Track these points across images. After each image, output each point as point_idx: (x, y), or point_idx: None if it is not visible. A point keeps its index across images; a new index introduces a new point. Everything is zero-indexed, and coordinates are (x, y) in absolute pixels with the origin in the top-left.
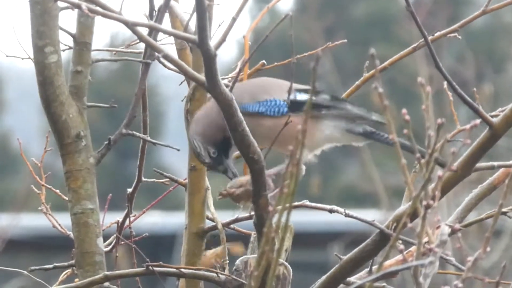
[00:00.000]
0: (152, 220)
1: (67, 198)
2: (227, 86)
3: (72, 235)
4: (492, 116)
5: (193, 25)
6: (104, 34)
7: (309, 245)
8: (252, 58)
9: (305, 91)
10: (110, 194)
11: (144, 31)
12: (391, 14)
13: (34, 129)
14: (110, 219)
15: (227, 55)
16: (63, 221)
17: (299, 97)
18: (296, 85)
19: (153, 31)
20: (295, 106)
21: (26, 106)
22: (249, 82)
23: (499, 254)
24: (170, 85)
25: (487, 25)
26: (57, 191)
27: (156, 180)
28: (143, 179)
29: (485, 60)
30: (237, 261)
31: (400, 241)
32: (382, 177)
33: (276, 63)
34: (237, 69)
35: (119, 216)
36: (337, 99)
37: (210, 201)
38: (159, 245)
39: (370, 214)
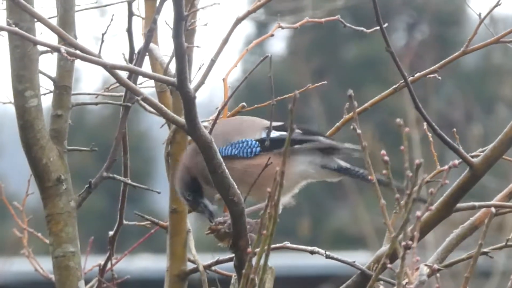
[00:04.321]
0: (143, 264)
1: (48, 242)
2: (206, 128)
3: (53, 279)
4: (472, 157)
5: (173, 67)
6: (96, 77)
7: None
8: (242, 98)
9: (278, 128)
10: (92, 237)
11: (124, 74)
12: (382, 56)
13: (27, 173)
14: (100, 262)
15: (218, 98)
16: (50, 265)
17: (272, 135)
18: (265, 123)
19: (133, 74)
20: (269, 144)
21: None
22: (222, 123)
23: None
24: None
25: (477, 67)
26: (39, 234)
27: (137, 223)
28: (124, 222)
29: (475, 101)
30: None
31: (381, 282)
32: (373, 218)
33: (256, 105)
34: (217, 112)
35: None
36: (309, 132)
37: (192, 243)
38: None
39: (359, 256)
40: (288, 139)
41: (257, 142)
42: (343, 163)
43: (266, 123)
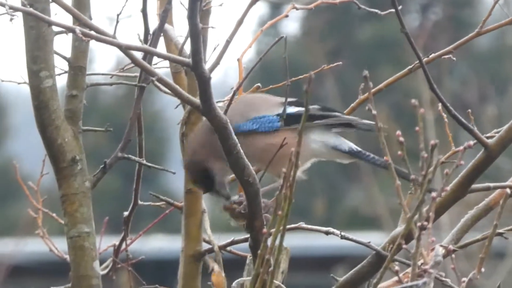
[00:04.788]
0: (158, 244)
1: (63, 222)
2: (221, 108)
3: (68, 259)
4: (487, 138)
5: (188, 48)
6: (110, 58)
7: (313, 269)
8: (256, 79)
9: (294, 103)
10: (107, 218)
11: (138, 55)
12: (397, 37)
13: (42, 154)
14: (114, 242)
15: (233, 79)
16: (64, 245)
17: (289, 110)
18: (280, 100)
19: (148, 55)
20: (286, 120)
21: (35, 131)
22: (236, 102)
23: (503, 276)
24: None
25: (492, 47)
26: (54, 214)
27: (152, 204)
28: (139, 202)
29: (489, 82)
30: (233, 284)
31: (396, 263)
32: (388, 199)
33: (271, 86)
34: (232, 92)
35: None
36: (326, 109)
37: (207, 223)
38: (165, 269)
39: (374, 237)
40: (304, 119)
41: (277, 117)
42: (355, 147)
43: (280, 99)
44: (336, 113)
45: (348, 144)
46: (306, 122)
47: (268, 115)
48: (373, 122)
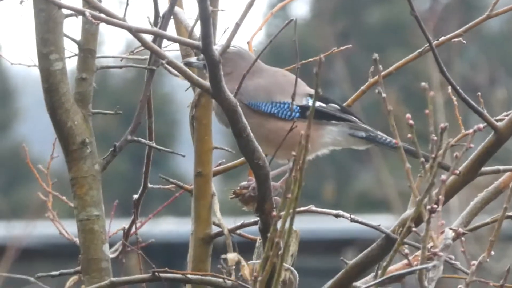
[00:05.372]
0: (167, 227)
1: (72, 205)
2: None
3: (78, 242)
4: (497, 121)
5: (198, 31)
6: (119, 40)
7: (322, 252)
8: (266, 62)
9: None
10: (117, 201)
11: (148, 38)
12: (406, 19)
13: (51, 136)
14: (124, 225)
15: None
16: (74, 228)
17: (310, 103)
18: (308, 90)
19: (158, 38)
20: (305, 112)
21: (44, 114)
22: (266, 74)
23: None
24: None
25: (502, 30)
26: (64, 197)
27: (162, 187)
28: (149, 185)
29: (499, 65)
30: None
31: (406, 246)
32: (397, 182)
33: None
34: (242, 76)
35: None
36: (345, 111)
37: (217, 206)
38: (174, 252)
39: (383, 220)
40: (314, 102)
41: (299, 107)
42: (371, 130)
43: (309, 90)
44: (354, 118)
45: (364, 129)
46: (323, 120)
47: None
48: (389, 138)
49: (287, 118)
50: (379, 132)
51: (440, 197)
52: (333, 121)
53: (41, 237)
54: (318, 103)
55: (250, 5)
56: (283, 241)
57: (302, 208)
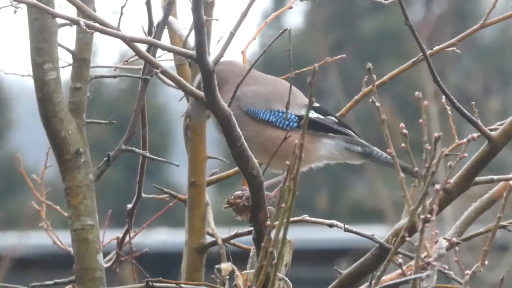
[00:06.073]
0: (161, 237)
1: (66, 215)
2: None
3: (72, 251)
4: (491, 130)
5: (192, 40)
6: (113, 50)
7: (316, 262)
8: (260, 71)
9: (317, 109)
10: (111, 210)
11: (142, 47)
12: (400, 29)
13: (45, 146)
14: (118, 235)
15: None
16: (68, 238)
17: (310, 115)
18: (307, 100)
19: (152, 47)
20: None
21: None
22: (265, 84)
23: (506, 269)
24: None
25: (496, 40)
26: (57, 207)
27: (156, 196)
28: (143, 195)
29: (493, 75)
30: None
31: (399, 255)
32: (391, 192)
33: None
34: (235, 85)
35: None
36: (343, 124)
37: (210, 216)
38: (168, 261)
39: (377, 230)
40: (307, 112)
41: (297, 117)
42: (367, 145)
43: (306, 100)
44: (350, 132)
45: (361, 144)
46: (321, 132)
47: (290, 112)
48: (384, 154)
49: (284, 127)
50: (375, 148)
51: (434, 206)
52: (330, 134)
53: (35, 247)
54: (316, 115)
55: (244, 15)
56: (277, 250)
57: (296, 218)
